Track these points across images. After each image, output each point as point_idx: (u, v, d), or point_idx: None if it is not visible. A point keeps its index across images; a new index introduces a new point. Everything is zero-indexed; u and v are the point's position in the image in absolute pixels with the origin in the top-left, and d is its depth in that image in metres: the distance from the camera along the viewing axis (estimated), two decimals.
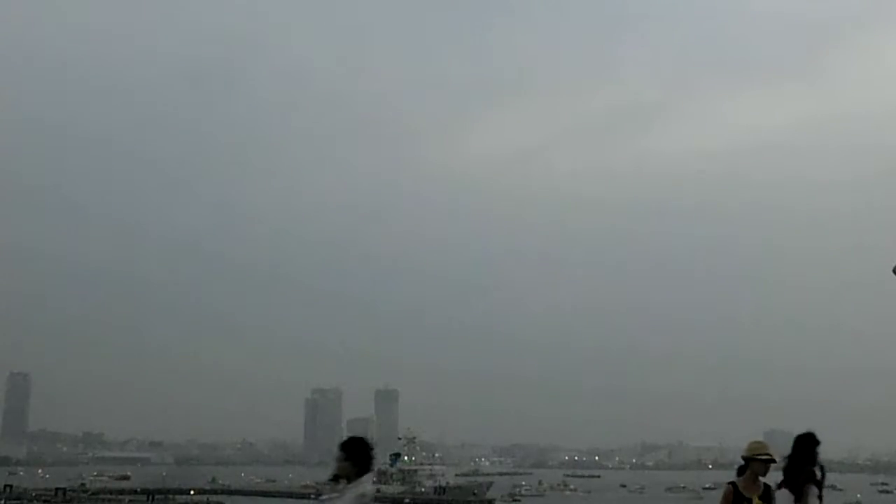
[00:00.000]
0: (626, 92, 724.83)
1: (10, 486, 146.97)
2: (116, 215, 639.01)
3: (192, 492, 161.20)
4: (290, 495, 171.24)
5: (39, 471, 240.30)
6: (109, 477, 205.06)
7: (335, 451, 9.41)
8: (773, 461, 10.00)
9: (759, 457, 9.99)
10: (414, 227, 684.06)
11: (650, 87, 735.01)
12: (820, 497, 10.00)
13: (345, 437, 9.67)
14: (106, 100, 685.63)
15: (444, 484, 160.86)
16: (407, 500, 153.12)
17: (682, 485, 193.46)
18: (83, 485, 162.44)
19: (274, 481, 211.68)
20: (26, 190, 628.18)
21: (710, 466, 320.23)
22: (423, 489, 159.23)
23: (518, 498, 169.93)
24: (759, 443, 10.18)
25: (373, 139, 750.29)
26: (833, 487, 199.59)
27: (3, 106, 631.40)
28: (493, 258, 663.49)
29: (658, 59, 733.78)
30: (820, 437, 10.54)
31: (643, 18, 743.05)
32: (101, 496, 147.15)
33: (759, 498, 9.89)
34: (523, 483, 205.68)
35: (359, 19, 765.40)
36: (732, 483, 10.02)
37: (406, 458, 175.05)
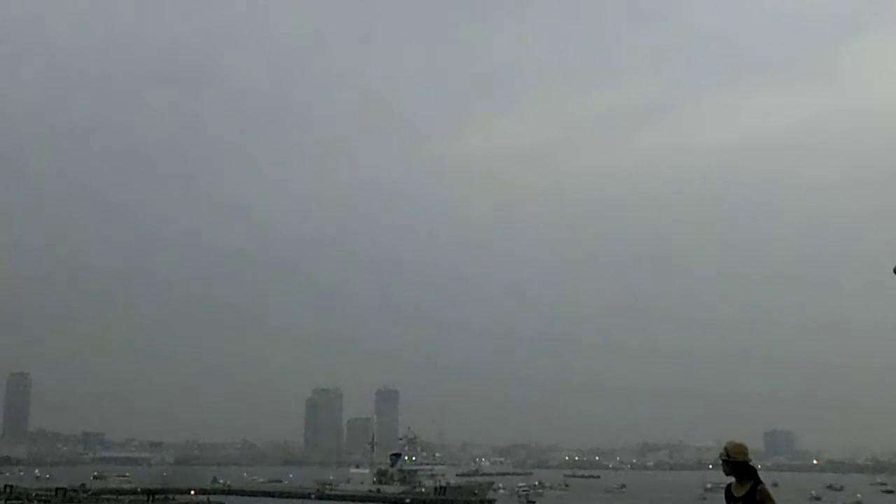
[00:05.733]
0: (628, 91, 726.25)
1: (11, 486, 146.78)
2: (117, 214, 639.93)
3: (192, 492, 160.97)
4: (291, 495, 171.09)
5: (36, 471, 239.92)
6: (124, 477, 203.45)
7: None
8: (725, 461, 10.30)
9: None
10: (415, 225, 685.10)
11: (653, 86, 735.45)
12: None
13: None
14: (107, 96, 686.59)
15: (444, 484, 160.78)
16: (407, 500, 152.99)
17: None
18: (83, 485, 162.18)
19: (280, 482, 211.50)
20: (27, 189, 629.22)
21: (711, 466, 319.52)
22: (423, 489, 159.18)
23: (533, 499, 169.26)
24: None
25: (375, 138, 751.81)
26: (832, 487, 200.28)
27: (4, 102, 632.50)
28: (494, 256, 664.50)
29: (661, 58, 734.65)
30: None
31: (645, 18, 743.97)
32: (102, 496, 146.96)
33: (742, 498, 10.11)
34: (535, 483, 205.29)
35: (360, 17, 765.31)
36: (729, 485, 10.32)
37: (406, 458, 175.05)
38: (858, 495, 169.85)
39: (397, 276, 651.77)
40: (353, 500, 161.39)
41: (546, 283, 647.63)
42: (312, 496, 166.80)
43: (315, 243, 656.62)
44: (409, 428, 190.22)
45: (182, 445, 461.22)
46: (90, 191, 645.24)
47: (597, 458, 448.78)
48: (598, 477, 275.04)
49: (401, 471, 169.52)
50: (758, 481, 10.13)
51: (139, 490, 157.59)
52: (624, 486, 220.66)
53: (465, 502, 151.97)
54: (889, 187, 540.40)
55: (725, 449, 10.25)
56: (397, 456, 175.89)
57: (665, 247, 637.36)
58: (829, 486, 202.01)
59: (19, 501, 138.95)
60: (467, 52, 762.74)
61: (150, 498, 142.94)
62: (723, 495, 10.36)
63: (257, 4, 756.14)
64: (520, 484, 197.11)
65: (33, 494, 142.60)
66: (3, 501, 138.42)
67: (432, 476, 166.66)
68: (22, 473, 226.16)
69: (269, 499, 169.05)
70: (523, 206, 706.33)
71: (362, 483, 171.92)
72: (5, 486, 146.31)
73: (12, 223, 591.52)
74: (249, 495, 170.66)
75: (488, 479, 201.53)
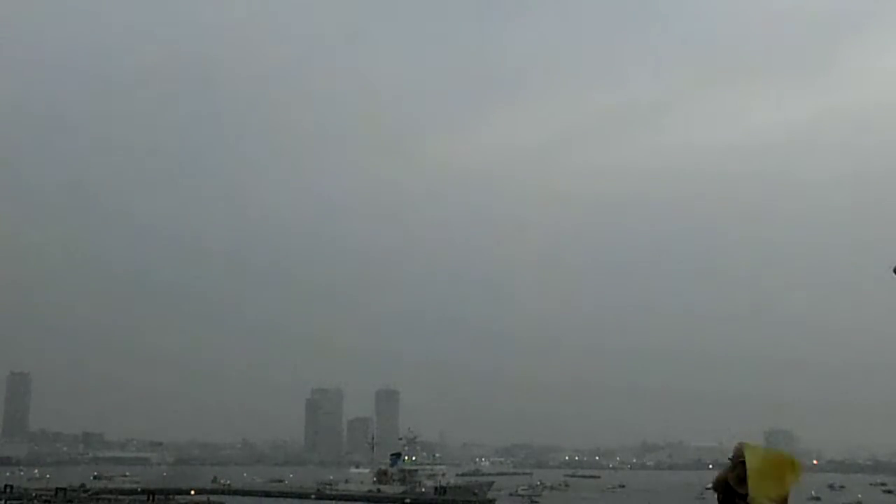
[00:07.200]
0: (628, 91, 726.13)
1: (11, 487, 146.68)
2: (117, 214, 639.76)
3: (192, 492, 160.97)
4: (291, 495, 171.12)
5: (36, 471, 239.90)
6: (126, 477, 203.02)
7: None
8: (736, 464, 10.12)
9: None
10: (415, 226, 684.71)
11: (653, 87, 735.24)
12: None
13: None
14: (109, 96, 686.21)
15: (444, 484, 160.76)
16: (407, 500, 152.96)
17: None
18: (83, 485, 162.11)
19: (282, 481, 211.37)
20: (27, 190, 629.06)
21: (711, 466, 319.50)
22: (423, 489, 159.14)
23: (536, 499, 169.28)
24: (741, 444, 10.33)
25: (376, 138, 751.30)
26: (833, 487, 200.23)
27: (4, 102, 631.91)
28: (494, 257, 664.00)
29: (661, 58, 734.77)
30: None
31: (645, 18, 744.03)
32: (102, 496, 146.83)
33: (745, 497, 10.03)
34: (538, 483, 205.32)
35: (362, 17, 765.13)
36: (725, 480, 10.22)
37: (406, 458, 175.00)
38: (859, 495, 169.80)
39: (397, 275, 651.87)
40: (353, 500, 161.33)
41: (546, 283, 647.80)
42: (312, 496, 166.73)
43: (315, 243, 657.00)
44: (409, 428, 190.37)
45: (182, 445, 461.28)
46: (90, 190, 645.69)
47: (597, 457, 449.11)
48: (598, 477, 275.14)
49: (401, 471, 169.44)
50: None
51: (139, 490, 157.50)
52: (623, 485, 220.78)
53: (466, 502, 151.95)
54: (888, 185, 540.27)
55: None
56: (397, 456, 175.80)
57: (665, 247, 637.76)
58: (830, 486, 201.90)
59: (19, 501, 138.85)
60: (467, 52, 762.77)
61: (150, 498, 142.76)
62: None
63: (257, 4, 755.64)
64: (519, 485, 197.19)
65: (33, 494, 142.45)
66: (3, 501, 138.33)
67: (432, 476, 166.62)
68: (22, 473, 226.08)
69: (269, 499, 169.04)
70: (523, 206, 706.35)
71: (362, 483, 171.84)
72: (5, 486, 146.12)
73: (12, 223, 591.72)
74: (249, 495, 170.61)
75: (488, 479, 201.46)
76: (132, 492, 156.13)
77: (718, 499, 10.24)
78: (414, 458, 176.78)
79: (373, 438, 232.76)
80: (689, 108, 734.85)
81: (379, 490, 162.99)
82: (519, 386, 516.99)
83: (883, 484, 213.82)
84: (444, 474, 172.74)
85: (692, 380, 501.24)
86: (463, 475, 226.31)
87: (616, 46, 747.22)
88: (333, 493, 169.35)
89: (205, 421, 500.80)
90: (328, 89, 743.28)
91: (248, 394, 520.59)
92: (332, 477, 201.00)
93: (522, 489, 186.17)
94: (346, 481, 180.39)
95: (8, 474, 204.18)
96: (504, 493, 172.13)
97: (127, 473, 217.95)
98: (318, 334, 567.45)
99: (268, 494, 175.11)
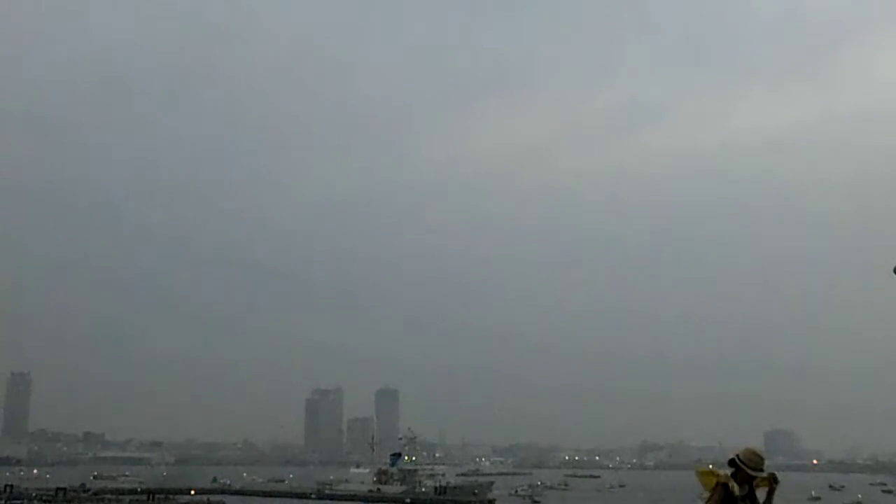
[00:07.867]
0: (627, 91, 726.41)
1: (11, 486, 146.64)
2: (116, 217, 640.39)
3: (192, 492, 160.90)
4: (291, 495, 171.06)
5: (35, 471, 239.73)
6: (126, 477, 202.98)
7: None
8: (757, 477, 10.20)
9: (749, 470, 10.22)
10: (413, 227, 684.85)
11: (651, 87, 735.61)
12: None
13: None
14: (104, 98, 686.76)
15: (444, 484, 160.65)
16: (407, 500, 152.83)
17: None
18: (83, 485, 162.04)
19: (282, 481, 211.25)
20: (26, 191, 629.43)
21: (711, 466, 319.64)
22: (423, 489, 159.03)
23: (538, 499, 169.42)
24: (754, 453, 10.37)
25: (373, 138, 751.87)
26: (833, 487, 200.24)
27: (3, 105, 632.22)
28: (493, 258, 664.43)
29: (659, 59, 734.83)
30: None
31: (644, 19, 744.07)
32: (102, 496, 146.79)
33: (748, 496, 10.16)
34: (538, 483, 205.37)
35: (357, 16, 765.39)
36: (724, 485, 10.34)
37: (407, 457, 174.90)
38: (859, 495, 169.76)
39: (396, 277, 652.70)
40: (353, 500, 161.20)
41: (546, 284, 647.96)
42: (312, 496, 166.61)
43: (313, 245, 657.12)
44: (409, 428, 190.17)
45: (182, 445, 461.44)
46: (90, 192, 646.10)
47: (597, 457, 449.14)
48: (599, 476, 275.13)
49: (401, 471, 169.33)
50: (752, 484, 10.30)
51: (139, 490, 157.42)
52: (623, 485, 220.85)
53: (466, 502, 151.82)
54: (884, 189, 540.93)
55: (763, 459, 10.28)
56: (397, 456, 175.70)
57: (667, 248, 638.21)
58: (831, 486, 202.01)
59: (19, 501, 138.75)
60: (466, 52, 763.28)
61: (150, 498, 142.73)
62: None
63: (254, 8, 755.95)
64: (519, 485, 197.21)
65: (33, 494, 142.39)
66: (3, 501, 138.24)
67: (432, 476, 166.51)
68: (22, 473, 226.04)
69: (269, 499, 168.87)
70: (522, 207, 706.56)
71: (362, 483, 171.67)
72: (5, 486, 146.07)
73: (12, 224, 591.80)
74: (249, 495, 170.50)
75: (488, 479, 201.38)
76: (132, 492, 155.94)
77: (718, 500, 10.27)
78: (414, 458, 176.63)
79: (373, 438, 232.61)
80: (688, 110, 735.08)
81: (379, 490, 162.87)
82: (519, 386, 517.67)
83: (883, 484, 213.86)
84: (444, 474, 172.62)
85: (692, 381, 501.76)
86: (463, 475, 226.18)
87: (617, 47, 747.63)
88: (333, 493, 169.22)
89: (205, 421, 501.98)
90: (323, 90, 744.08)
91: (248, 394, 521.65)
92: (332, 477, 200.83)
93: (522, 489, 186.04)
94: (347, 481, 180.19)
95: (8, 474, 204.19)
96: (504, 493, 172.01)
97: (127, 473, 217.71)
98: (318, 335, 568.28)
99: (268, 494, 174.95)
